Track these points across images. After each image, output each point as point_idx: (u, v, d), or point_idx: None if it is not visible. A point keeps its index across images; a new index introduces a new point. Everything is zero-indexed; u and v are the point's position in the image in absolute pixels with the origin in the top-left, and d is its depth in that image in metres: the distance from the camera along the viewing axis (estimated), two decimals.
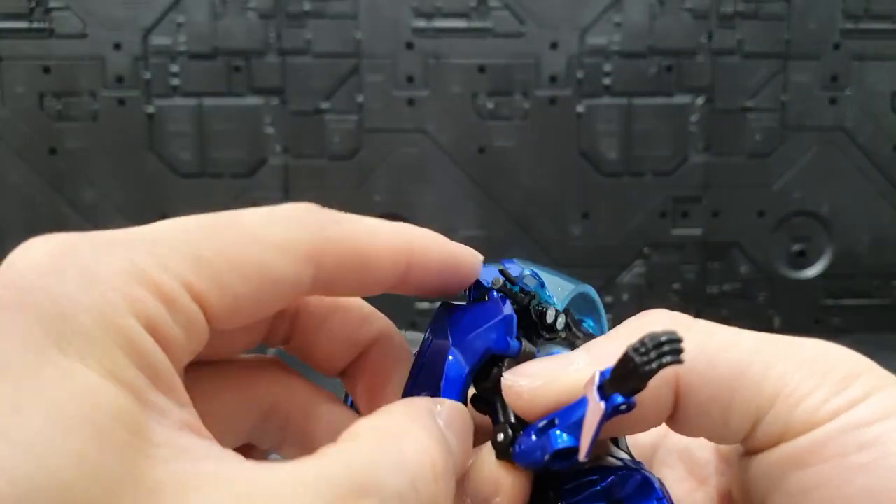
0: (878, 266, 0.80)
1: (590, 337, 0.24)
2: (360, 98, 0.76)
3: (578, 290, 0.25)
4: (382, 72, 0.76)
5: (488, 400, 0.22)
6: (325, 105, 0.76)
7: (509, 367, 0.22)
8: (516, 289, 0.22)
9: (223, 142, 0.76)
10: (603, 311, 0.26)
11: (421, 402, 0.20)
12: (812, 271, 0.80)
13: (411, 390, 0.23)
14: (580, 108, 0.77)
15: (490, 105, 0.76)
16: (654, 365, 0.17)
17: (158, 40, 0.74)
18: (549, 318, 0.23)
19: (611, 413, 0.18)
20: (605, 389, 0.18)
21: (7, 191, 0.76)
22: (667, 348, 0.17)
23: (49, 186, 0.76)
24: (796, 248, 0.80)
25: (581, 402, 0.19)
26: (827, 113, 0.78)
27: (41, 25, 0.74)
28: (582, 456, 0.18)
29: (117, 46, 0.74)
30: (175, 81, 0.75)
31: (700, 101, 0.77)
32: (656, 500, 0.21)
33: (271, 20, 0.75)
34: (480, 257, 0.23)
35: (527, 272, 0.23)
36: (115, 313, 0.15)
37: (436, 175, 0.77)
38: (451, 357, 0.22)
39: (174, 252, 0.17)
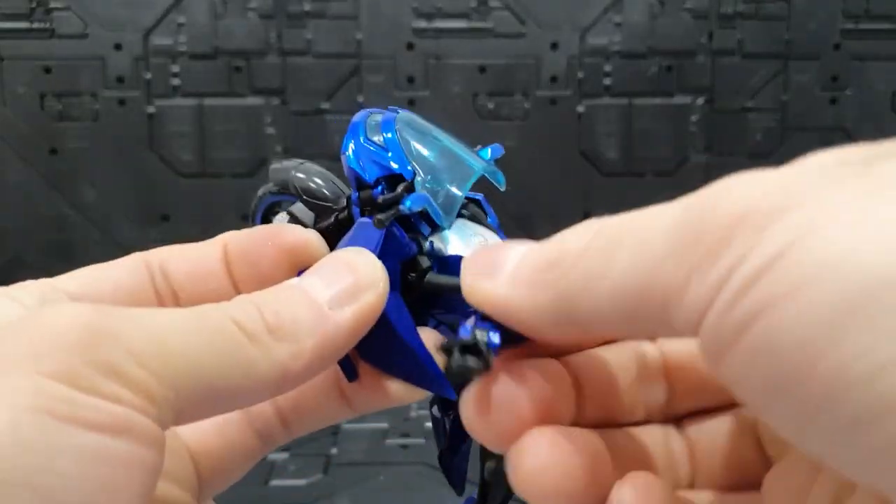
0: None
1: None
2: (360, 98, 0.76)
3: (478, 171, 0.25)
4: (383, 72, 0.76)
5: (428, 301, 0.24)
6: (325, 105, 0.76)
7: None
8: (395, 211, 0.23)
9: (224, 142, 0.76)
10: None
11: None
12: None
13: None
14: (580, 109, 0.77)
15: (490, 105, 0.76)
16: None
17: (159, 41, 0.74)
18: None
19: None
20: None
21: (8, 191, 0.76)
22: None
23: (50, 186, 0.76)
24: None
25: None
26: (827, 113, 0.78)
27: (42, 26, 0.74)
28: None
29: (118, 47, 0.74)
30: (175, 82, 0.75)
31: (700, 101, 0.77)
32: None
33: (272, 20, 0.75)
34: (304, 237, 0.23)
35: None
36: None
37: None
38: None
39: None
